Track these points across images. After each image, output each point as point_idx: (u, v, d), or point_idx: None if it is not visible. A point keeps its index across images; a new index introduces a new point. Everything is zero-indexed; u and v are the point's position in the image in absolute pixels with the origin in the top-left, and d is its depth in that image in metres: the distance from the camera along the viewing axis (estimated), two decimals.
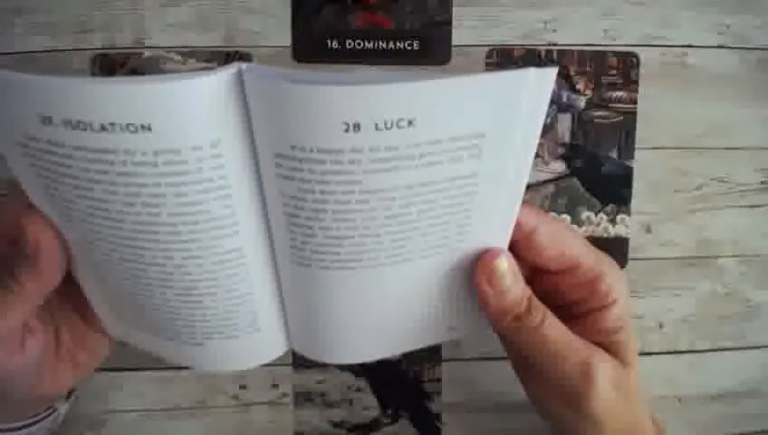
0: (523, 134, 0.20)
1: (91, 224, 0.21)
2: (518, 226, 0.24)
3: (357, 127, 0.18)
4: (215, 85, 0.18)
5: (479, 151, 0.20)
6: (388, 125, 0.18)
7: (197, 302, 0.23)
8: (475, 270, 0.24)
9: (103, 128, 0.18)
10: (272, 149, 0.20)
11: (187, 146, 0.19)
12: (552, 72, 0.19)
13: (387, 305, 0.25)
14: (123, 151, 0.18)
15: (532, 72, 0.19)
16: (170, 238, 0.21)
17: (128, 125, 0.18)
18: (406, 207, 0.21)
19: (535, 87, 0.19)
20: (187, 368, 0.35)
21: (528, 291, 0.25)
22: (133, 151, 0.18)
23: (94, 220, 0.20)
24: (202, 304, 0.23)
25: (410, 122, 0.18)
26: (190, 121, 0.18)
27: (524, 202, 0.23)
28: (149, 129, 0.18)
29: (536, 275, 0.26)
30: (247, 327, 0.25)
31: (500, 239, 0.24)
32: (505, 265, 0.24)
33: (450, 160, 0.20)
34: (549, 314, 0.25)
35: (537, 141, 0.21)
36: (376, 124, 0.18)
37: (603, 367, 0.25)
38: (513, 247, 0.25)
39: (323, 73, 0.19)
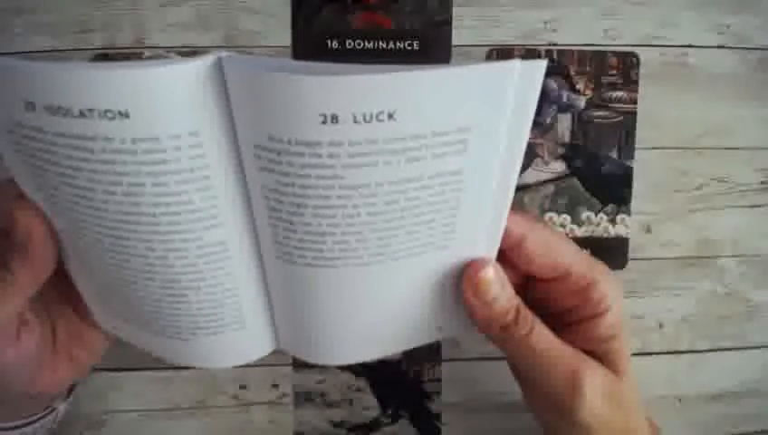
0: (510, 130, 0.20)
1: (75, 212, 0.21)
2: (507, 233, 0.24)
3: (334, 119, 0.18)
4: (193, 73, 0.18)
5: (464, 147, 0.20)
6: (368, 118, 0.18)
7: (181, 295, 0.23)
8: (462, 280, 0.24)
9: (82, 114, 0.18)
10: (251, 140, 0.19)
11: (165, 134, 0.18)
12: (539, 66, 0.19)
13: (373, 305, 0.24)
14: (102, 138, 0.18)
15: (517, 65, 0.18)
16: (151, 229, 0.20)
17: (106, 111, 0.18)
18: (389, 205, 0.20)
19: (522, 81, 0.19)
20: (186, 368, 0.35)
21: (516, 301, 0.25)
22: (112, 138, 0.18)
23: (79, 209, 0.20)
24: (186, 297, 0.23)
25: (391, 115, 0.18)
26: (168, 109, 0.18)
27: (519, 208, 0.23)
28: (127, 115, 0.18)
29: (528, 282, 0.26)
30: (233, 324, 0.24)
31: (488, 242, 0.24)
32: (491, 275, 0.24)
33: (434, 156, 0.19)
34: (538, 323, 0.25)
35: (526, 140, 0.20)
36: (354, 116, 0.18)
37: (592, 377, 0.25)
38: (503, 255, 0.24)
39: (307, 63, 0.19)
